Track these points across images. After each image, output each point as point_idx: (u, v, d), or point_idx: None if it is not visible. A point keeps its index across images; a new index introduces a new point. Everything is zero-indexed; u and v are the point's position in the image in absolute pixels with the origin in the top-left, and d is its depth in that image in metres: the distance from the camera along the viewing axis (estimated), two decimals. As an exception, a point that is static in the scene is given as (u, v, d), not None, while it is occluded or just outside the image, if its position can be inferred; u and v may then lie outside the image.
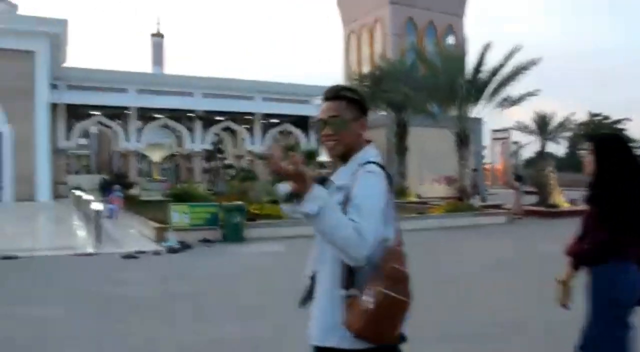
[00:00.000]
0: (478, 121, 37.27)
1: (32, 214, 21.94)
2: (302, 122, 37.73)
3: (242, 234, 12.68)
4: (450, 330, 5.37)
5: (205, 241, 12.43)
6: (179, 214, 12.39)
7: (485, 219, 18.06)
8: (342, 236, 1.66)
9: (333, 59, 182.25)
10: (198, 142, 34.89)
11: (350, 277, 1.80)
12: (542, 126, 48.09)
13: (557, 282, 3.10)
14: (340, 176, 1.92)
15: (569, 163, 52.54)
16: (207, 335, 5.14)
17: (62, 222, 18.33)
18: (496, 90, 24.42)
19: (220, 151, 31.77)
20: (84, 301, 6.59)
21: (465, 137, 25.80)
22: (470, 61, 24.70)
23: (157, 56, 70.58)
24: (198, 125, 34.86)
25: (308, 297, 2.02)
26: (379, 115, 39.44)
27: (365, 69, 41.88)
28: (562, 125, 48.42)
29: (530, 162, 73.85)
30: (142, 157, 45.91)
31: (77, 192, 22.68)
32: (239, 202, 13.17)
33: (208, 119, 35.11)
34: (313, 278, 2.00)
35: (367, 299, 1.73)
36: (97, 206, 11.84)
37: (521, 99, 25.06)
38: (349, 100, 1.97)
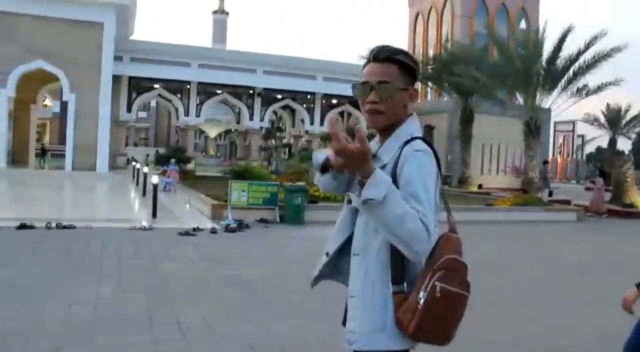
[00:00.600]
0: (547, 111, 35.27)
1: (92, 184, 22.10)
2: (361, 104, 36.87)
3: (303, 217, 12.08)
4: (546, 342, 4.56)
5: (263, 221, 11.91)
6: (238, 192, 11.88)
7: (555, 215, 16.89)
8: (409, 228, 1.43)
9: (398, 41, 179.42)
10: (257, 119, 34.60)
11: (403, 270, 1.59)
12: (614, 120, 45.77)
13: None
14: (383, 152, 1.68)
15: (636, 160, 49.55)
16: (264, 327, 4.53)
17: (120, 194, 18.28)
18: (574, 78, 22.85)
19: (279, 130, 31.44)
20: (137, 278, 6.11)
21: (536, 127, 24.37)
22: (546, 47, 23.26)
23: (219, 34, 70.75)
24: (257, 103, 34.53)
25: (320, 277, 1.84)
26: (442, 100, 38.18)
27: (432, 51, 40.56)
28: (636, 119, 45.96)
29: (590, 157, 70.87)
30: (200, 132, 46.18)
31: (136, 165, 22.68)
32: (301, 183, 12.55)
33: (268, 96, 34.72)
34: (328, 255, 1.79)
35: (422, 295, 1.52)
36: (154, 179, 11.46)
37: (600, 88, 23.35)
38: (402, 65, 1.69)
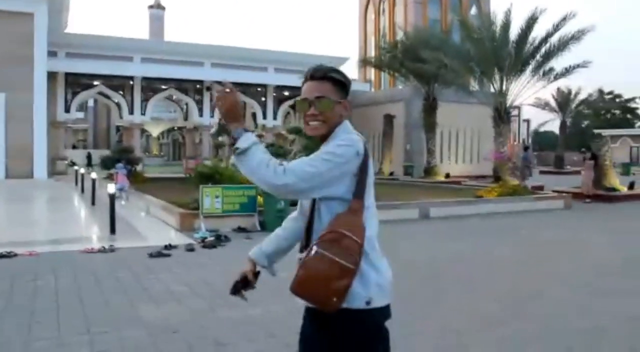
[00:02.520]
0: (504, 96, 34.76)
1: (30, 194, 19.69)
2: (317, 95, 35.38)
3: (286, 223, 10.45)
4: None
5: (241, 230, 10.24)
6: (211, 198, 10.15)
7: (543, 203, 15.89)
8: (261, 173, 1.79)
9: (349, 30, 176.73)
10: (207, 115, 32.49)
11: (307, 240, 1.96)
12: (564, 103, 46.03)
13: None
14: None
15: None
16: None
17: (65, 205, 16.08)
18: (544, 61, 22.04)
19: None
20: (110, 336, 4.38)
21: (506, 112, 23.49)
22: (512, 30, 22.37)
23: (156, 29, 67.42)
24: (206, 98, 32.42)
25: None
26: (398, 89, 37.14)
27: (383, 40, 39.44)
28: (586, 102, 46.38)
29: (535, 142, 71.93)
30: (141, 131, 43.49)
31: (80, 169, 20.41)
32: (282, 184, 10.90)
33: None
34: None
35: (300, 256, 1.91)
36: (110, 188, 9.57)
37: (568, 71, 22.58)
38: (335, 81, 1.99)
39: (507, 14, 22.15)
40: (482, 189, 17.74)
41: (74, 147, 61.48)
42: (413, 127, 32.89)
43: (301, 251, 1.97)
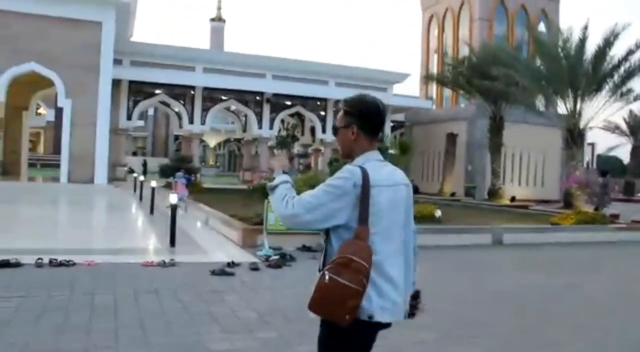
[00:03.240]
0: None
1: (90, 200, 19.76)
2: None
3: (353, 243, 9.77)
4: None
5: (306, 249, 9.62)
6: (275, 214, 9.56)
7: (623, 234, 14.61)
8: (276, 206, 2.21)
9: (411, 45, 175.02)
10: (266, 127, 32.29)
11: (323, 264, 2.18)
12: (637, 127, 43.63)
13: None
14: None
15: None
16: None
17: (123, 214, 15.91)
18: (624, 81, 20.72)
19: (294, 138, 29.06)
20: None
21: (579, 135, 22.22)
22: (588, 47, 21.13)
23: (216, 42, 68.50)
24: (266, 109, 32.25)
25: None
26: (460, 107, 36.07)
27: (450, 55, 38.51)
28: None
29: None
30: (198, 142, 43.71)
31: (139, 177, 20.38)
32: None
33: (277, 103, 32.46)
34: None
35: (315, 279, 2.12)
36: (172, 198, 9.15)
37: (650, 92, 21.17)
38: (344, 111, 2.32)
39: (584, 30, 20.97)
40: (555, 216, 16.53)
41: (133, 154, 62.83)
42: (475, 147, 31.76)
43: (319, 271, 2.16)
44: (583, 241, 13.27)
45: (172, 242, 9.10)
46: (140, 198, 19.49)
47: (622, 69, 20.61)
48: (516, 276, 8.60)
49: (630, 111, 42.80)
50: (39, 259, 7.12)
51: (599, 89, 21.33)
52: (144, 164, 34.42)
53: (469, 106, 33.80)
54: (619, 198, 40.48)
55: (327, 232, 2.20)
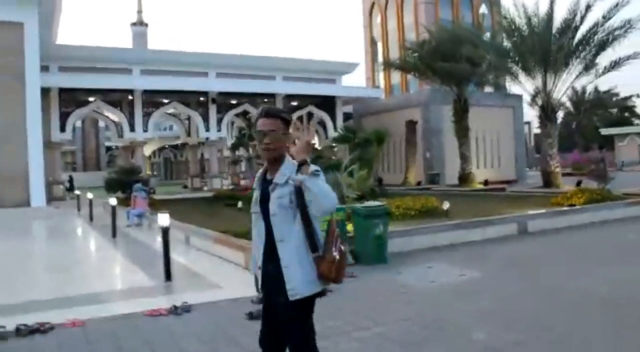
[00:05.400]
0: (519, 98, 32.99)
1: (32, 228, 17.06)
2: (327, 103, 33.09)
3: (386, 252, 8.11)
4: None
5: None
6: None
7: (635, 209, 13.68)
8: (332, 193, 2.59)
9: (353, 34, 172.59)
10: (213, 129, 30.03)
11: (315, 243, 2.65)
12: (579, 103, 44.18)
13: None
14: (279, 178, 2.68)
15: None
16: None
17: (81, 241, 13.55)
18: (596, 54, 20.00)
19: (251, 138, 26.93)
20: None
21: (553, 111, 21.44)
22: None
23: (139, 47, 64.82)
24: (212, 110, 29.99)
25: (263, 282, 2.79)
26: (412, 93, 35.01)
27: (392, 42, 37.39)
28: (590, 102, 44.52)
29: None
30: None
31: (87, 194, 17.88)
32: (378, 203, 8.51)
33: (223, 102, 30.25)
34: (260, 267, 2.77)
35: (336, 254, 2.66)
36: (163, 220, 7.10)
37: (618, 64, 20.52)
38: (282, 120, 2.72)
39: (552, 3, 20.08)
40: (553, 196, 15.45)
41: (73, 170, 58.47)
42: (432, 133, 30.81)
43: (314, 251, 2.66)
44: (601, 220, 12.35)
45: (168, 276, 7.09)
46: (91, 218, 17.09)
47: (592, 42, 19.90)
48: (574, 268, 7.41)
49: (573, 88, 43.28)
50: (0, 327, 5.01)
51: (566, 63, 20.59)
52: (70, 180, 31.16)
53: (421, 92, 32.80)
54: (570, 173, 40.90)
55: (307, 217, 2.64)
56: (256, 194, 2.79)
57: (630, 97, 77.99)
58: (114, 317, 5.50)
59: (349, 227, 8.28)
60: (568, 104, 43.72)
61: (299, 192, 2.57)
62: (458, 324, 5.02)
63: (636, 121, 76.55)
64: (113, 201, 12.96)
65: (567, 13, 19.63)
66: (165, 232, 7.10)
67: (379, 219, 8.00)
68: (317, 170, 2.53)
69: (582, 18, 19.25)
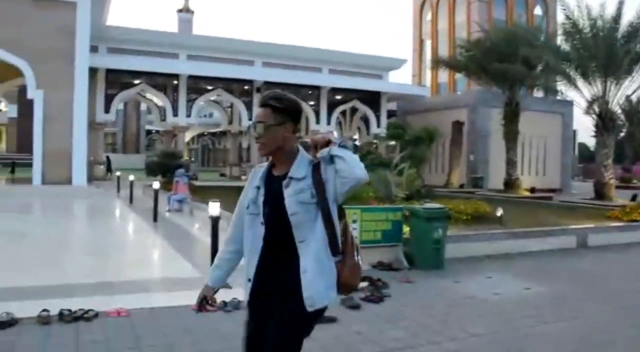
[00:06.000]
0: (569, 104, 31.87)
1: (73, 207, 17.03)
2: (372, 99, 32.50)
3: (443, 258, 7.62)
4: None
5: (383, 267, 7.41)
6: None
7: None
8: (357, 159, 2.23)
9: (403, 31, 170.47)
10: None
11: (337, 247, 2.28)
12: (632, 113, 42.49)
13: None
14: (294, 173, 2.28)
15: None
16: None
17: (122, 224, 13.38)
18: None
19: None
20: None
21: (611, 119, 20.45)
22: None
23: (185, 33, 65.23)
24: (256, 100, 29.72)
25: (252, 299, 2.38)
26: (460, 94, 34.18)
27: (442, 40, 36.59)
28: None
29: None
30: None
31: (130, 177, 17.81)
32: (439, 205, 8.01)
33: (267, 92, 29.96)
34: (251, 280, 2.36)
35: (358, 258, 2.35)
36: (214, 208, 6.75)
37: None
38: (273, 108, 2.29)
39: (620, 5, 19.11)
40: (614, 210, 14.60)
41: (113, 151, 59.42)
42: (478, 135, 29.99)
43: (334, 254, 2.29)
44: None
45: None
46: (131, 200, 17.02)
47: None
48: None
49: (627, 97, 41.63)
50: (43, 310, 4.71)
51: (629, 70, 19.61)
52: (107, 161, 31.16)
53: (469, 93, 31.97)
54: (617, 186, 39.47)
55: (329, 216, 2.26)
56: (253, 192, 2.36)
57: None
58: (159, 309, 5.16)
59: (405, 229, 7.82)
60: (619, 112, 41.80)
61: (319, 185, 2.24)
62: (540, 347, 4.51)
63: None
64: (156, 185, 12.74)
65: (635, 17, 18.63)
66: (215, 221, 6.74)
67: (439, 222, 7.50)
68: (343, 143, 2.22)
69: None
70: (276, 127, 2.27)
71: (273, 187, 2.30)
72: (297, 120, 2.35)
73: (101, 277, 6.46)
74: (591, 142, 70.49)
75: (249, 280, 2.34)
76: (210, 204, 6.81)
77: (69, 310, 4.77)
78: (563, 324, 5.20)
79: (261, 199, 2.31)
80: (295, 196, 2.23)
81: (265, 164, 2.41)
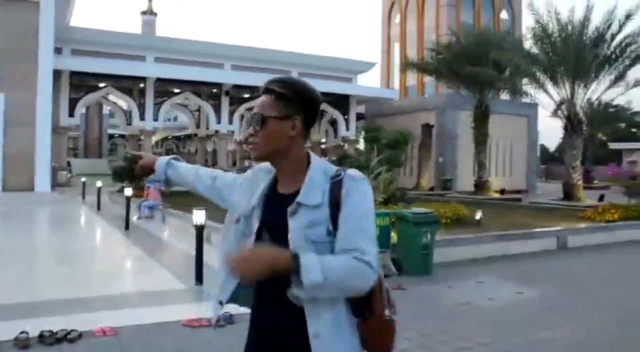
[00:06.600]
0: (534, 107, 32.60)
1: (37, 214, 16.38)
2: (341, 102, 32.45)
3: (431, 263, 7.50)
4: None
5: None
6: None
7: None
8: (356, 284, 1.49)
9: (370, 34, 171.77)
10: (225, 122, 29.38)
11: (363, 301, 1.58)
12: (593, 115, 43.53)
13: None
14: (313, 185, 1.58)
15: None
16: None
17: (93, 232, 12.88)
18: (632, 64, 19.38)
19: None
20: None
21: (579, 122, 20.82)
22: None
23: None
24: (225, 102, 29.34)
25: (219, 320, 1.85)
26: (429, 97, 34.36)
27: (411, 43, 36.79)
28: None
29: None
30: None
31: (97, 183, 17.26)
32: (428, 210, 7.87)
33: (235, 95, 29.60)
34: (222, 304, 1.74)
35: (390, 315, 1.64)
36: (199, 216, 6.46)
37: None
38: (277, 95, 1.61)
39: (588, 10, 19.45)
40: (586, 210, 14.75)
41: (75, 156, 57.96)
42: (446, 138, 30.23)
43: (357, 315, 1.61)
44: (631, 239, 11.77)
45: (200, 278, 6.46)
46: (98, 207, 16.47)
47: (626, 54, 19.28)
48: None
49: (589, 99, 42.60)
50: (21, 333, 4.37)
51: (597, 74, 20.02)
52: (68, 166, 30.24)
53: (438, 96, 32.19)
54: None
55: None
56: (244, 209, 1.70)
57: (638, 112, 77.53)
58: (148, 326, 4.86)
59: (393, 234, 7.66)
60: (581, 114, 42.81)
61: (335, 216, 1.55)
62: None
63: (643, 136, 76.07)
64: (128, 191, 12.31)
65: (602, 22, 19.01)
66: (200, 230, 6.46)
67: (428, 227, 7.38)
68: (312, 282, 1.44)
69: (621, 26, 18.59)
70: (278, 121, 1.59)
71: (274, 210, 1.63)
72: (311, 116, 1.65)
73: (80, 292, 6.09)
74: (550, 144, 72.32)
75: (220, 303, 1.74)
76: (195, 211, 6.54)
77: (50, 331, 4.43)
78: (562, 329, 5.12)
79: (256, 224, 1.64)
80: (304, 231, 1.55)
81: (268, 165, 1.72)
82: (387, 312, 1.63)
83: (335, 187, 1.56)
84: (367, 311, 1.61)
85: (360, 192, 1.56)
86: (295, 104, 1.60)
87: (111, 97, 29.47)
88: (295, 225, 1.55)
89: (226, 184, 1.91)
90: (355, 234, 1.51)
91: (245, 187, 1.77)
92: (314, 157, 1.66)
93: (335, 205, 1.54)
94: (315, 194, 1.57)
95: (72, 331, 4.51)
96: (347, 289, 1.49)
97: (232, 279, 1.67)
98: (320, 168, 1.62)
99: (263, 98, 1.63)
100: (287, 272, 1.43)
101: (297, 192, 1.59)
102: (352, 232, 1.51)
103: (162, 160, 2.03)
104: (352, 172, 1.60)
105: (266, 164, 1.71)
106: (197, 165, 2.07)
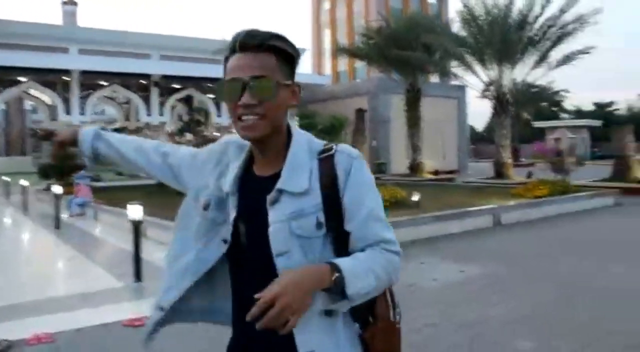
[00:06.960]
0: (463, 89, 33.68)
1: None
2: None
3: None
4: None
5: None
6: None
7: (595, 201, 13.87)
8: (391, 277, 1.32)
9: (300, 21, 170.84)
10: (156, 113, 28.56)
11: (364, 305, 1.32)
12: (518, 95, 45.21)
13: None
14: (290, 178, 1.29)
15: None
16: None
17: (21, 234, 12.21)
18: (553, 46, 20.19)
19: (199, 123, 25.69)
20: None
21: (507, 102, 21.57)
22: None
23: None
24: (155, 94, 28.49)
25: (158, 328, 1.47)
26: (360, 82, 34.64)
27: (341, 29, 36.91)
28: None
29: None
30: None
31: (22, 182, 16.39)
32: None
33: (166, 86, 28.78)
34: (164, 310, 1.43)
35: (396, 320, 1.41)
36: (135, 211, 6.20)
37: (570, 58, 20.77)
38: (280, 53, 1.28)
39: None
40: (516, 188, 15.30)
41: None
42: (379, 122, 30.66)
43: (357, 320, 1.37)
44: (567, 212, 12.47)
45: (138, 276, 6.22)
46: (25, 207, 15.66)
47: (549, 34, 20.05)
48: (570, 262, 7.30)
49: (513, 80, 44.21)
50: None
51: (522, 56, 20.76)
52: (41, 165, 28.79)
53: (369, 80, 32.52)
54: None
55: (346, 253, 1.29)
56: (212, 193, 1.39)
57: (558, 92, 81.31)
58: (87, 329, 4.62)
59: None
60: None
61: (333, 203, 1.29)
62: (495, 330, 4.50)
63: (562, 115, 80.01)
64: (57, 189, 11.73)
65: (524, 5, 19.66)
66: (137, 226, 6.21)
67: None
68: (353, 296, 1.25)
69: (543, 9, 19.29)
70: (283, 89, 1.29)
71: (251, 197, 1.34)
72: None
73: (10, 298, 5.72)
74: (478, 124, 74.67)
75: (161, 309, 1.44)
76: (129, 206, 6.29)
77: (-17, 341, 4.14)
78: (507, 305, 5.25)
79: (232, 214, 1.33)
80: (288, 223, 1.26)
81: (239, 140, 1.38)
82: (391, 313, 1.40)
83: (325, 165, 1.29)
84: (370, 315, 1.38)
85: (365, 173, 1.34)
86: (293, 67, 1.34)
87: (33, 92, 28.07)
88: (277, 217, 1.27)
89: (183, 161, 1.53)
90: (373, 223, 1.31)
91: (211, 167, 1.43)
92: (296, 129, 1.36)
93: (329, 188, 1.28)
94: (301, 177, 1.28)
95: (2, 341, 4.22)
96: (384, 287, 1.32)
97: (183, 282, 1.38)
98: (304, 142, 1.33)
99: (258, 58, 1.26)
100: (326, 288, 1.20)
101: (277, 175, 1.30)
102: (369, 221, 1.30)
103: (86, 131, 1.63)
104: (346, 148, 1.34)
105: (237, 138, 1.37)
106: (134, 136, 1.71)
